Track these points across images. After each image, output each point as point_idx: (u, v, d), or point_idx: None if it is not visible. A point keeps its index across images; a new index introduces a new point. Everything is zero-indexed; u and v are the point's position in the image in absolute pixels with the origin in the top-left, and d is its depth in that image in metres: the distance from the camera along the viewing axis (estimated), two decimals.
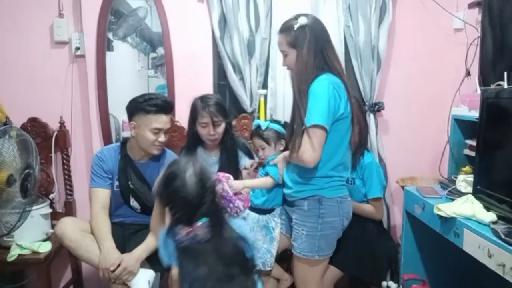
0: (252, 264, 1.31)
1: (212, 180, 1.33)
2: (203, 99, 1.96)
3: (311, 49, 1.57)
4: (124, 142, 2.01)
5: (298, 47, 1.58)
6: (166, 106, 1.90)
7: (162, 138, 1.90)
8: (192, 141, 2.02)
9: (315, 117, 1.51)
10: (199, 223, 1.23)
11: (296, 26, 1.59)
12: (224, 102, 2.10)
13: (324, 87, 1.52)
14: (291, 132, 1.64)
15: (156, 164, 1.97)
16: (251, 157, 2.03)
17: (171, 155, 2.02)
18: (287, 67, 1.68)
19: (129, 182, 1.95)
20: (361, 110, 2.21)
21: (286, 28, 1.63)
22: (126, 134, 2.31)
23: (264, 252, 1.81)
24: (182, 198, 1.24)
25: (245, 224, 1.42)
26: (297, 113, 1.58)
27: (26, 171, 1.78)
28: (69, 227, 1.83)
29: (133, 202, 1.97)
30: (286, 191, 1.72)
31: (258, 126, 1.89)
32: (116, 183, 1.96)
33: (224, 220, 1.32)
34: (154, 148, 1.91)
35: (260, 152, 1.89)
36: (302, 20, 1.59)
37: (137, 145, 1.93)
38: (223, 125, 1.95)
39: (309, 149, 1.52)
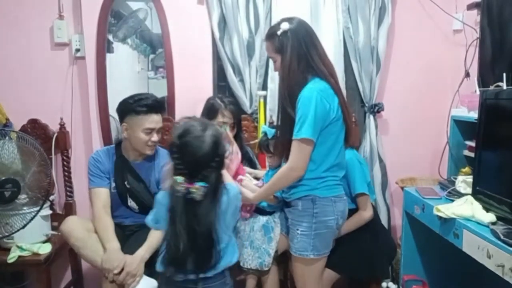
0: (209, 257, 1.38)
1: (224, 150, 1.40)
2: (222, 99, 1.95)
3: (294, 54, 1.57)
4: (119, 143, 2.01)
5: (283, 51, 1.59)
6: (157, 105, 1.90)
7: (155, 137, 1.89)
8: None
9: (303, 130, 1.52)
10: (198, 184, 1.30)
11: (279, 32, 1.59)
12: None
13: (311, 98, 1.52)
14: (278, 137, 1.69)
15: (151, 164, 1.97)
16: (252, 165, 2.03)
17: (164, 153, 2.01)
18: (278, 73, 1.69)
19: (125, 183, 1.94)
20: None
21: (271, 35, 1.64)
22: None
23: (262, 253, 1.81)
24: (193, 152, 1.30)
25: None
26: (282, 121, 1.61)
27: (2, 179, 1.69)
28: (75, 226, 1.83)
29: (131, 202, 1.97)
30: (282, 194, 1.72)
31: (264, 134, 1.88)
32: (113, 184, 1.96)
33: (216, 195, 1.37)
34: (147, 149, 1.90)
35: (268, 159, 1.90)
36: (284, 26, 1.59)
37: (131, 146, 1.93)
38: (235, 129, 1.95)
39: (296, 166, 1.56)
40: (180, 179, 1.31)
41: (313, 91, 1.53)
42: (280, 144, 1.67)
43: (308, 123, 1.51)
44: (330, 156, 1.61)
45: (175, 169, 1.34)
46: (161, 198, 1.41)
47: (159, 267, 1.44)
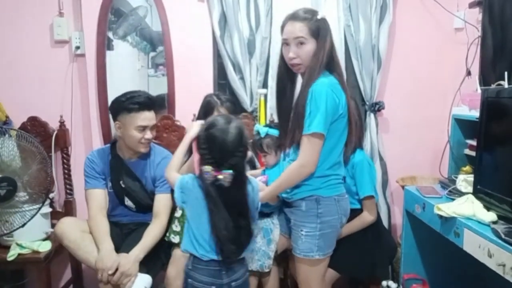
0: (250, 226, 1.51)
1: (248, 140, 1.50)
2: (219, 96, 1.94)
3: (329, 44, 1.57)
4: (114, 142, 2.00)
5: (320, 38, 1.56)
6: (149, 102, 1.88)
7: (148, 135, 1.88)
8: None
9: (315, 125, 1.50)
10: (225, 172, 1.40)
11: (318, 17, 1.58)
12: None
13: (322, 92, 1.51)
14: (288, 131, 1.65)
15: (146, 162, 1.96)
16: (251, 164, 2.02)
17: (160, 151, 2.00)
18: (292, 59, 1.59)
19: (121, 182, 1.94)
20: (357, 107, 2.19)
21: (306, 17, 1.58)
22: None
23: (262, 255, 1.81)
24: (220, 143, 1.41)
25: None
26: (300, 112, 1.56)
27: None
28: (69, 228, 1.83)
29: (128, 202, 1.97)
30: (283, 194, 1.70)
31: (257, 133, 1.86)
32: (109, 184, 1.96)
33: (244, 181, 1.49)
34: (141, 147, 1.89)
35: (263, 158, 1.89)
36: (322, 14, 1.60)
37: (125, 145, 1.92)
38: None
39: (308, 162, 1.54)
40: (208, 168, 1.40)
41: (324, 86, 1.52)
42: (290, 139, 1.64)
43: (319, 117, 1.49)
44: (333, 153, 1.59)
45: (203, 159, 1.44)
46: (189, 183, 1.48)
47: (186, 247, 1.52)
